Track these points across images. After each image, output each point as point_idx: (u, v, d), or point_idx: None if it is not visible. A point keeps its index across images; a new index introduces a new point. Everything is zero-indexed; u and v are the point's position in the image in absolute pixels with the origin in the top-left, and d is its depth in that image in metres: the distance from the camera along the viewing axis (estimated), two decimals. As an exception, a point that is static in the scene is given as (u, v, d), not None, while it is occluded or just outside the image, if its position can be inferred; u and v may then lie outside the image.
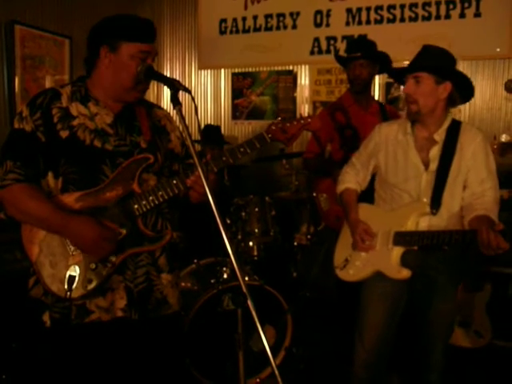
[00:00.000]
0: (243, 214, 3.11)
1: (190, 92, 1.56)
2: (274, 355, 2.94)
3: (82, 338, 1.68)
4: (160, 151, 1.78)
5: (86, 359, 1.69)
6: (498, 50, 3.69)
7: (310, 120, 1.72)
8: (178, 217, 3.10)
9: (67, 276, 1.62)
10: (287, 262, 3.61)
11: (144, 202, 1.66)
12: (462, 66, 3.83)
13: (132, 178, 1.67)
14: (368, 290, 2.17)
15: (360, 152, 2.28)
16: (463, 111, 3.81)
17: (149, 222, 1.73)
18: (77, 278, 1.63)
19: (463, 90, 2.04)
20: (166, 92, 4.78)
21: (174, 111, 1.47)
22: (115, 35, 1.64)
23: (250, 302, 1.44)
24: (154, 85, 4.79)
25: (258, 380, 2.89)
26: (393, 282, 2.07)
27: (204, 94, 4.69)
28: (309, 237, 3.40)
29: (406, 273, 2.01)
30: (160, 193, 1.67)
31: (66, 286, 1.62)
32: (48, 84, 3.65)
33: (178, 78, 4.60)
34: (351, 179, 2.26)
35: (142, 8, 4.55)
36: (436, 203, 2.01)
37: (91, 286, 1.64)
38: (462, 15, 3.74)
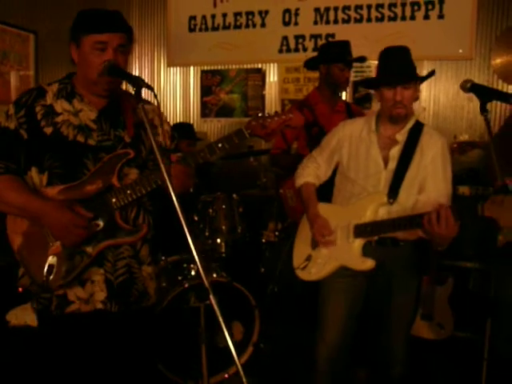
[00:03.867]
0: (210, 210, 3.12)
1: (152, 89, 1.56)
2: (242, 351, 2.97)
3: (63, 328, 1.72)
4: (144, 145, 1.81)
5: (67, 349, 1.73)
6: (461, 51, 3.79)
7: (291, 116, 1.71)
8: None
9: (46, 266, 1.67)
10: (255, 258, 3.64)
11: (122, 196, 1.69)
12: (426, 66, 3.94)
13: (112, 172, 1.70)
14: (327, 286, 2.21)
15: (322, 147, 2.31)
16: (428, 109, 3.91)
17: (130, 215, 1.76)
18: (55, 269, 1.67)
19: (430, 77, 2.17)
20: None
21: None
22: (76, 30, 1.67)
23: (212, 298, 1.42)
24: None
25: (226, 376, 2.91)
26: (352, 277, 2.12)
27: (173, 91, 4.67)
28: (276, 233, 3.43)
29: (370, 263, 2.04)
30: (138, 187, 1.69)
31: (44, 276, 1.66)
32: (13, 79, 3.59)
33: (146, 75, 4.61)
34: (310, 173, 2.30)
35: (109, 4, 4.49)
36: (393, 196, 2.06)
37: (68, 277, 1.67)
38: (427, 16, 3.83)
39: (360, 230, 2.06)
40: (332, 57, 3.00)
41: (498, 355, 2.67)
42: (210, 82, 4.48)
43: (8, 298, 2.63)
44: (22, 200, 1.66)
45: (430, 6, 3.81)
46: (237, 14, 4.28)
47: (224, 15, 4.31)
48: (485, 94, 1.93)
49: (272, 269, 3.53)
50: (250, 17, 4.24)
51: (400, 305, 2.17)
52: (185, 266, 3.02)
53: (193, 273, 2.98)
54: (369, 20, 3.94)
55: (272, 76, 4.29)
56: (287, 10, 4.14)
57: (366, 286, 2.19)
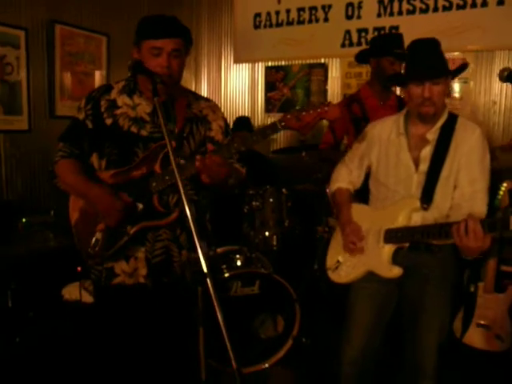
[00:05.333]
0: (258, 203, 3.18)
1: (167, 85, 1.78)
2: (282, 344, 3.00)
3: (110, 297, 1.96)
4: (194, 138, 1.96)
5: (112, 316, 1.97)
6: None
7: (326, 108, 1.70)
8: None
9: (94, 239, 1.88)
10: (308, 254, 3.63)
11: (161, 181, 1.83)
12: (498, 57, 3.68)
13: (155, 160, 1.84)
14: (355, 291, 2.14)
15: (353, 151, 2.24)
16: (498, 104, 3.64)
17: (171, 200, 1.89)
18: (100, 242, 1.87)
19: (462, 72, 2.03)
20: (204, 88, 4.99)
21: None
22: (138, 35, 1.85)
23: (208, 281, 1.48)
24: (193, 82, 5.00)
25: (266, 365, 2.96)
26: (381, 283, 2.03)
27: (241, 87, 4.81)
28: (326, 229, 3.40)
29: (397, 271, 1.95)
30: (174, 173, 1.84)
31: (90, 247, 1.88)
32: (97, 77, 3.95)
33: (215, 72, 4.80)
34: (344, 178, 2.23)
35: (181, 6, 4.73)
36: (427, 200, 1.95)
37: (109, 250, 1.87)
38: (501, 2, 3.55)
39: (390, 236, 1.96)
40: (380, 50, 2.91)
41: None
42: (274, 78, 4.54)
43: (68, 275, 2.93)
44: (75, 182, 1.90)
45: (504, -9, 3.53)
46: (300, 10, 4.28)
47: (288, 11, 4.33)
48: (522, 84, 1.81)
49: (321, 265, 3.51)
50: (313, 12, 4.23)
51: (433, 314, 2.03)
52: (231, 256, 3.11)
53: (238, 263, 3.07)
54: (435, 10, 3.75)
55: (334, 71, 4.25)
56: (350, 4, 4.07)
57: (398, 292, 2.09)
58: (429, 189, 1.96)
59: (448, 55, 3.75)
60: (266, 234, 3.27)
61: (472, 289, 3.17)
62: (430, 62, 1.92)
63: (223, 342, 1.44)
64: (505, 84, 3.63)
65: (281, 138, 4.47)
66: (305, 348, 3.07)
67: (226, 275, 2.87)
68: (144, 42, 1.81)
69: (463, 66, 2.01)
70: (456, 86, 3.90)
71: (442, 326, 2.06)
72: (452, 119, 2.01)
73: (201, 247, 1.49)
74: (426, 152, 1.98)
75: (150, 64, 1.80)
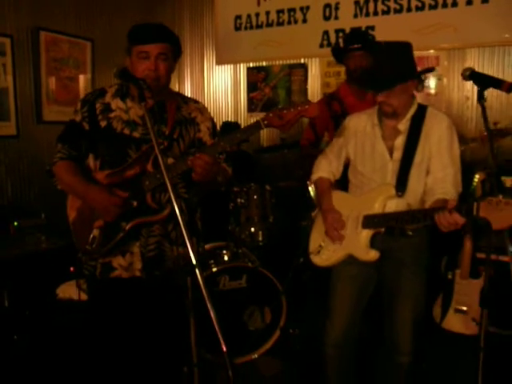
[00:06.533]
0: (243, 200, 3.30)
1: (153, 90, 1.86)
2: (270, 335, 3.13)
3: (106, 290, 2.06)
4: (183, 139, 2.06)
5: (108, 308, 2.07)
6: (507, 35, 3.64)
7: (307, 107, 1.82)
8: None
9: (91, 236, 1.98)
10: (293, 247, 3.75)
11: (153, 180, 1.93)
12: (469, 54, 3.84)
13: (147, 159, 1.94)
14: (336, 273, 2.28)
15: (332, 143, 2.39)
16: (472, 99, 3.80)
17: (162, 198, 1.99)
18: (97, 239, 1.98)
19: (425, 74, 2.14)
20: (187, 89, 5.08)
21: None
22: (128, 42, 1.96)
23: (198, 272, 1.57)
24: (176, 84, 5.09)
25: (255, 356, 3.08)
26: (360, 265, 2.16)
27: (224, 88, 4.92)
28: (310, 223, 3.51)
29: (373, 254, 2.09)
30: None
31: (88, 244, 1.99)
32: (82, 82, 4.04)
33: (197, 73, 4.89)
34: (324, 168, 2.36)
35: (163, 10, 4.82)
36: (401, 186, 2.09)
37: (106, 246, 1.97)
38: (469, 2, 3.72)
39: (368, 221, 2.10)
40: (337, 48, 3.07)
41: None
42: (256, 78, 4.66)
43: (61, 275, 3.02)
44: (73, 182, 1.99)
45: (472, -9, 3.69)
46: (279, 11, 4.41)
47: (267, 13, 4.46)
48: (482, 82, 1.95)
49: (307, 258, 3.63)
50: (292, 13, 4.35)
51: (408, 294, 2.17)
52: (218, 252, 3.23)
53: (226, 258, 3.18)
54: (409, 10, 3.90)
55: (314, 70, 4.38)
56: (328, 5, 4.20)
57: (376, 275, 2.24)
58: (403, 176, 2.09)
59: (422, 53, 3.96)
60: (252, 229, 3.39)
61: (450, 276, 3.32)
62: (380, 73, 2.05)
63: (213, 331, 1.53)
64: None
65: (264, 137, 4.59)
66: (292, 338, 3.18)
67: (214, 270, 2.99)
68: (133, 47, 1.93)
69: (428, 70, 2.15)
70: (431, 83, 4.06)
71: (416, 305, 2.20)
72: (422, 110, 2.15)
73: (189, 240, 1.59)
74: (399, 141, 2.12)
75: (139, 68, 1.92)
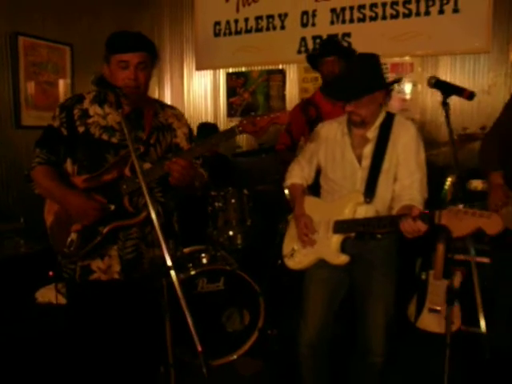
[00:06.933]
0: (221, 204, 3.35)
1: (128, 97, 1.91)
2: (248, 336, 3.17)
3: (85, 292, 2.09)
4: (160, 145, 2.10)
5: (87, 310, 2.10)
6: (477, 44, 3.77)
7: (278, 114, 1.89)
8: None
9: (69, 240, 2.01)
10: (271, 250, 3.81)
11: (130, 184, 1.97)
12: (442, 61, 3.96)
13: (125, 164, 1.98)
14: (309, 277, 2.33)
15: (304, 150, 2.44)
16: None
17: (140, 201, 2.02)
18: (74, 243, 2.01)
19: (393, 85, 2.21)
20: (167, 94, 5.13)
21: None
22: (107, 50, 1.99)
23: (173, 274, 1.62)
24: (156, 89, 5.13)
25: (234, 357, 3.12)
26: (332, 269, 2.21)
27: (204, 93, 4.97)
28: (286, 226, 3.57)
29: (344, 258, 2.15)
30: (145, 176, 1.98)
31: (66, 248, 2.02)
32: (61, 87, 4.05)
33: (177, 79, 4.92)
34: (297, 174, 2.41)
35: (143, 16, 4.85)
36: (370, 193, 2.15)
37: (84, 249, 2.01)
38: (441, 11, 3.84)
39: (338, 227, 2.15)
40: (309, 54, 3.16)
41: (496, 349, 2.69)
42: (235, 84, 4.73)
43: (40, 279, 3.02)
44: (51, 187, 2.02)
45: (444, 1, 3.82)
46: (258, 18, 4.48)
47: (246, 19, 4.53)
48: (446, 90, 2.04)
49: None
50: (271, 20, 4.43)
51: (379, 296, 2.23)
52: (197, 255, 3.27)
53: (204, 261, 3.22)
54: (384, 18, 4.01)
55: (292, 76, 4.45)
56: (305, 12, 4.29)
57: (348, 278, 2.29)
58: (371, 183, 2.15)
59: (397, 60, 4.06)
60: (230, 233, 3.44)
61: (423, 276, 3.42)
62: (348, 84, 2.12)
63: (189, 331, 1.58)
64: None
65: (243, 142, 4.65)
66: (271, 339, 3.23)
67: (192, 273, 3.02)
68: (112, 56, 1.96)
69: (394, 81, 2.23)
70: (407, 88, 4.17)
71: (387, 306, 2.25)
72: (389, 118, 2.21)
73: (165, 243, 1.64)
74: (368, 150, 2.18)
75: (119, 76, 1.95)
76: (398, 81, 2.28)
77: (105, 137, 2.04)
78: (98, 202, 1.99)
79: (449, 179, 3.36)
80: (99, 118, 2.05)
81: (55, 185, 2.02)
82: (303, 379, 2.40)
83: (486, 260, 3.12)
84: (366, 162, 2.18)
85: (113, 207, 2.02)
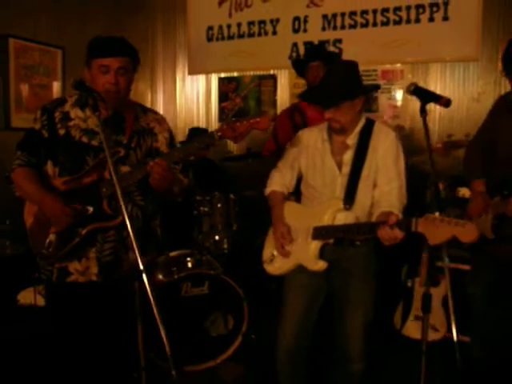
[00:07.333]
0: (206, 209, 3.35)
1: (106, 102, 1.95)
2: (232, 341, 3.16)
3: (63, 294, 2.11)
4: (140, 149, 2.12)
5: (65, 311, 2.11)
6: (467, 52, 3.78)
7: (258, 120, 1.91)
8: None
9: (47, 241, 2.03)
10: (257, 255, 3.81)
11: (110, 187, 1.97)
12: (432, 69, 3.96)
13: (104, 167, 1.99)
14: (288, 282, 2.33)
15: (285, 157, 2.43)
16: (433, 111, 3.92)
17: (118, 205, 1.98)
18: (53, 244, 2.03)
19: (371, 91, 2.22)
20: (159, 98, 5.15)
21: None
22: (88, 54, 2.01)
23: (145, 277, 1.63)
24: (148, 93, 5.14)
25: (217, 362, 3.11)
26: (310, 275, 2.21)
27: (196, 97, 4.99)
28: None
29: (321, 264, 2.15)
30: (122, 180, 1.97)
31: (44, 249, 2.04)
32: (53, 90, 4.06)
33: (170, 83, 4.92)
34: (277, 182, 2.41)
35: (135, 20, 4.87)
36: (349, 200, 2.15)
37: (62, 251, 2.02)
38: (431, 19, 3.85)
39: (317, 233, 2.15)
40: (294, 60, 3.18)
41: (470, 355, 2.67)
42: (227, 89, 4.74)
43: (23, 281, 3.03)
44: (29, 189, 2.04)
45: (434, 9, 3.82)
46: (250, 23, 4.50)
47: (238, 24, 4.55)
48: (424, 97, 2.04)
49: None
50: (263, 25, 4.45)
51: (357, 303, 2.22)
52: (182, 259, 3.26)
53: (189, 265, 3.22)
54: (374, 24, 4.02)
55: (283, 81, 4.47)
56: (297, 18, 4.30)
57: (326, 285, 2.29)
58: (351, 189, 2.15)
59: (387, 67, 4.07)
60: (216, 237, 3.44)
61: (409, 284, 3.41)
62: (327, 90, 2.13)
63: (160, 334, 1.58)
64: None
65: (234, 147, 4.66)
66: (254, 343, 3.23)
67: (176, 277, 3.03)
68: (93, 60, 1.98)
69: (373, 87, 2.24)
70: (398, 95, 4.18)
71: (365, 312, 2.24)
72: (369, 125, 2.22)
73: (138, 246, 1.66)
74: (348, 156, 2.18)
75: (100, 81, 1.97)
76: (377, 87, 2.29)
77: (85, 139, 2.05)
78: (72, 208, 2.00)
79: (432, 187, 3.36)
80: (80, 121, 2.07)
81: (34, 187, 2.04)
82: (280, 387, 2.39)
83: (467, 267, 3.11)
84: (346, 169, 2.18)
85: (91, 209, 2.03)
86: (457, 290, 3.29)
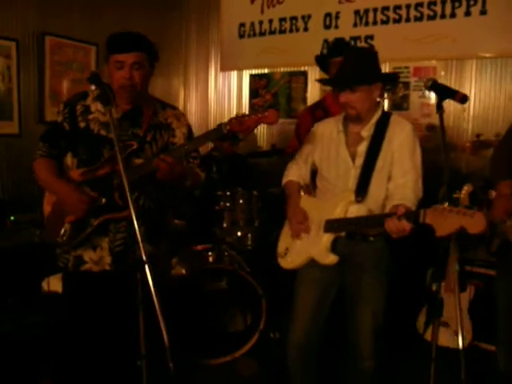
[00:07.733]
0: (228, 204, 3.36)
1: (110, 97, 1.91)
2: (248, 337, 3.16)
3: (78, 282, 2.19)
4: (156, 143, 2.17)
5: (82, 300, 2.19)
6: (505, 47, 3.60)
7: (266, 114, 1.91)
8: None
9: (62, 230, 2.12)
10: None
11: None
12: (468, 65, 3.81)
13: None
14: (300, 277, 2.32)
15: (301, 149, 2.44)
16: (467, 110, 3.77)
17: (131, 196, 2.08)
18: (67, 233, 2.12)
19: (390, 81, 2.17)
20: (192, 95, 5.20)
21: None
22: (107, 50, 2.10)
23: (147, 268, 1.66)
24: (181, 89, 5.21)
25: (234, 356, 3.12)
26: (323, 269, 2.19)
27: (228, 94, 5.03)
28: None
29: (332, 257, 2.14)
30: (133, 173, 2.03)
31: (59, 237, 2.12)
32: (86, 85, 4.19)
33: (203, 80, 4.99)
34: (294, 173, 2.42)
35: (171, 16, 4.95)
36: (362, 192, 2.12)
37: (75, 240, 2.11)
38: (468, 13, 3.69)
39: (329, 226, 2.14)
40: (318, 56, 3.14)
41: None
42: (258, 85, 4.75)
43: (48, 269, 3.13)
44: (48, 179, 2.15)
45: (471, 2, 3.66)
46: (282, 20, 4.47)
47: (270, 21, 4.53)
48: (441, 93, 1.97)
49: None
50: (294, 21, 4.41)
51: (368, 299, 2.20)
52: (204, 253, 3.30)
53: (210, 260, 3.25)
54: (407, 20, 3.89)
55: (314, 78, 4.40)
56: (328, 14, 4.24)
57: (339, 278, 2.26)
58: (364, 182, 2.13)
59: (420, 63, 3.94)
60: (239, 233, 3.45)
61: (434, 287, 3.29)
62: (344, 73, 2.13)
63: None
64: (473, 92, 3.77)
65: (264, 142, 4.67)
66: (273, 342, 3.21)
67: (195, 270, 3.06)
68: (110, 56, 2.05)
69: (392, 76, 2.18)
70: (431, 93, 4.04)
71: (375, 311, 2.22)
72: (385, 117, 2.18)
73: (141, 236, 1.71)
74: (362, 148, 2.16)
75: (115, 76, 2.04)
76: (397, 76, 2.22)
77: (103, 132, 2.13)
78: (88, 196, 2.08)
79: (465, 188, 3.22)
80: (99, 114, 2.14)
81: (52, 177, 2.14)
82: (291, 381, 2.38)
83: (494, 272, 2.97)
84: (360, 161, 2.15)
85: (104, 200, 2.10)
86: (487, 296, 3.18)
